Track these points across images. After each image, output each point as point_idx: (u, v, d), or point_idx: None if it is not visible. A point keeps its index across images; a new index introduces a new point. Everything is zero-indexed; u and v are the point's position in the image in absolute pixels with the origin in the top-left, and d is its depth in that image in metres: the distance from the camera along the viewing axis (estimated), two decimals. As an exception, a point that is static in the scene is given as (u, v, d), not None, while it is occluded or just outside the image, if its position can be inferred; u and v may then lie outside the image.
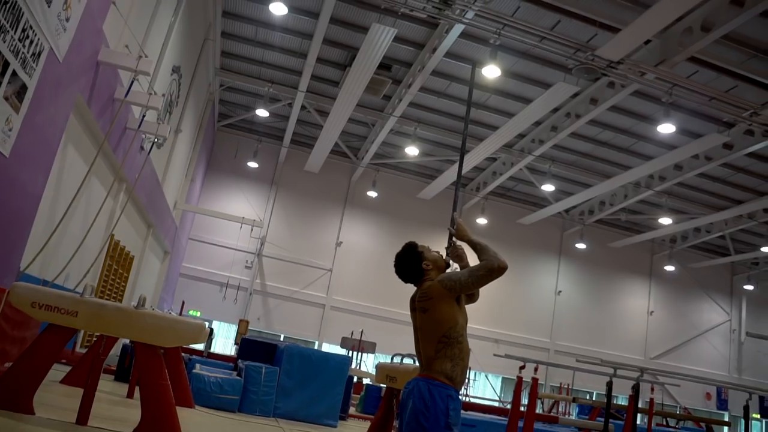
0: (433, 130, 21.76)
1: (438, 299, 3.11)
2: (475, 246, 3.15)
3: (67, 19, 6.76)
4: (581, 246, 27.74)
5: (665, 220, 24.19)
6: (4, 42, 5.64)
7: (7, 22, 5.59)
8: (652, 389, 12.35)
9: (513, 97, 18.79)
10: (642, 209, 25.93)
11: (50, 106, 6.96)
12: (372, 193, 25.23)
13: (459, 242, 3.41)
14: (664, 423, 19.75)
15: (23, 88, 6.17)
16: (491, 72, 14.78)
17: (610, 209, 24.97)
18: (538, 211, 25.97)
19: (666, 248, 29.01)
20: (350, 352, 18.63)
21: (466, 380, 21.43)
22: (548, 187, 22.93)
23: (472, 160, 21.32)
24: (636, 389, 8.79)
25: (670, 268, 28.93)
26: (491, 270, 3.01)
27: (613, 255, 28.85)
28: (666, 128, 15.78)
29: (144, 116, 10.79)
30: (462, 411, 11.56)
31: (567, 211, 27.18)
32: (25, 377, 4.87)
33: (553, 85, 15.99)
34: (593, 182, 22.63)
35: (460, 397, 2.98)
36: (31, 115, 6.45)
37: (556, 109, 18.25)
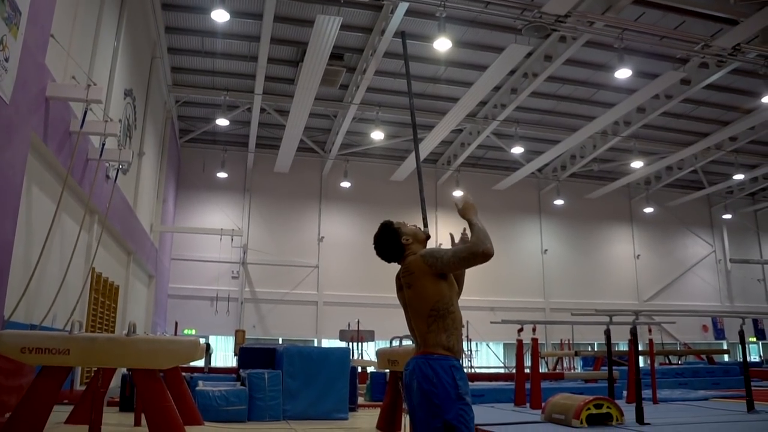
0: (395, 111, 21.74)
1: (420, 274, 3.10)
2: (472, 226, 3.11)
3: (6, 59, 6.65)
4: (559, 202, 27.98)
5: (637, 164, 24.47)
6: (-53, 93, 5.54)
7: (-53, 73, 5.49)
8: (650, 330, 12.60)
9: (468, 66, 18.83)
10: (613, 157, 26.17)
11: (5, 149, 6.85)
12: (345, 184, 25.21)
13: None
14: (667, 361, 20.15)
15: (-25, 136, 6.07)
16: (442, 45, 14.77)
17: (581, 162, 25.20)
18: (511, 174, 26.13)
19: (642, 191, 29.36)
20: (350, 343, 18.67)
21: (468, 352, 21.62)
22: (518, 150, 23.05)
23: (438, 135, 21.37)
24: (634, 333, 8.92)
25: (649, 209, 29.30)
26: (475, 254, 2.98)
27: (591, 206, 29.16)
28: (623, 73, 15.91)
29: (104, 144, 10.65)
30: (469, 382, 11.69)
31: (540, 170, 27.37)
32: (27, 424, 4.84)
33: (505, 48, 16.02)
34: (561, 138, 22.78)
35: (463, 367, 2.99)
36: (-12, 162, 6.35)
37: (512, 72, 18.33)
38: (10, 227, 7.26)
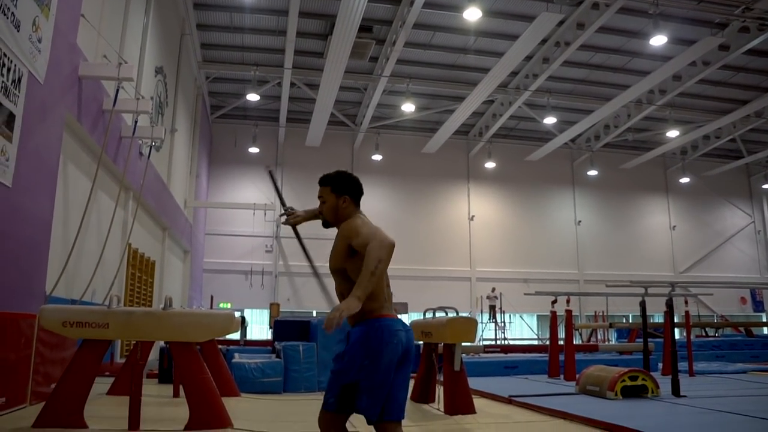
0: (426, 83, 21.58)
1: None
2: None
3: (40, 40, 6.73)
4: (593, 173, 27.61)
5: (673, 133, 23.95)
6: (-17, 73, 5.63)
7: (-18, 54, 5.58)
8: (686, 302, 12.41)
9: (499, 36, 18.55)
10: (648, 126, 25.65)
11: (41, 129, 6.97)
12: (377, 157, 25.18)
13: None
14: (703, 333, 19.87)
15: (11, 116, 6.18)
16: (472, 14, 14.56)
17: (615, 131, 24.74)
18: (544, 145, 25.79)
19: (678, 161, 28.76)
20: (383, 316, 18.72)
21: (502, 323, 21.60)
22: (550, 120, 22.73)
23: (468, 106, 21.17)
24: (670, 304, 8.81)
25: (685, 180, 28.72)
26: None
27: (626, 176, 28.69)
28: (658, 40, 15.51)
29: (136, 122, 10.78)
30: (502, 354, 11.64)
31: (573, 140, 26.98)
32: (71, 394, 4.98)
33: (536, 16, 15.72)
34: (594, 107, 22.37)
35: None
36: (25, 141, 6.47)
37: (544, 41, 18.00)
38: (48, 205, 7.42)
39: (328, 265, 3.02)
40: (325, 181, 3.12)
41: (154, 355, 10.93)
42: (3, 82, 5.98)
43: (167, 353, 8.95)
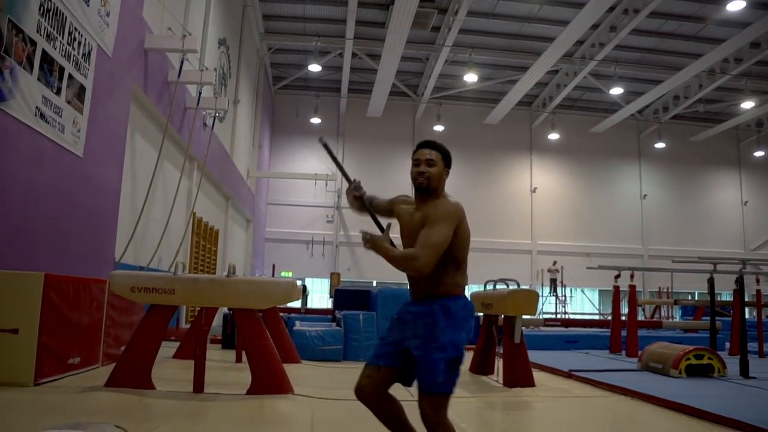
0: (489, 53, 21.20)
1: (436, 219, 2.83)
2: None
3: (108, 14, 6.89)
4: (661, 145, 26.72)
5: (748, 104, 22.89)
6: (56, 49, 5.81)
7: (54, 29, 5.75)
8: (758, 280, 11.97)
9: (564, 4, 18.01)
10: (720, 97, 24.56)
11: (110, 101, 7.17)
12: (438, 127, 24.99)
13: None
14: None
15: (81, 89, 6.37)
16: (538, -19, 14.15)
17: (685, 102, 23.78)
18: (609, 116, 25.06)
19: (752, 133, 27.49)
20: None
21: (563, 297, 21.32)
22: (616, 91, 22.03)
23: (532, 76, 20.71)
24: (740, 282, 8.50)
25: (759, 153, 27.48)
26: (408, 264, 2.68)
27: (696, 149, 27.66)
28: (735, 5, 14.75)
29: (200, 93, 10.97)
30: (563, 328, 11.47)
31: (640, 111, 26.12)
32: (140, 356, 5.17)
33: (605, -18, 15.16)
34: (663, 77, 21.53)
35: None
36: (94, 113, 6.67)
37: (611, 8, 17.34)
38: (117, 175, 7.66)
39: (405, 235, 2.92)
40: (437, 147, 2.94)
41: (217, 321, 11.24)
42: (74, 55, 6.16)
43: (230, 320, 9.17)
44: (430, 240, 2.69)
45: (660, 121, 26.18)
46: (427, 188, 2.86)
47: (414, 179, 2.89)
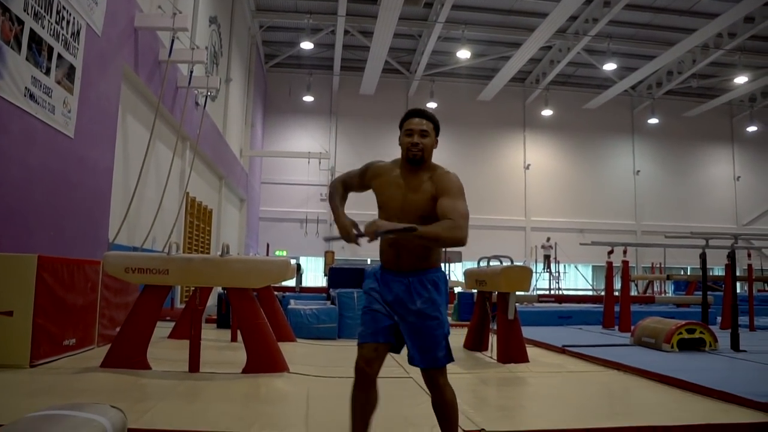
0: (482, 29, 21.07)
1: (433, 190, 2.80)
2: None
3: (97, -9, 6.81)
4: (654, 121, 26.72)
5: (741, 79, 22.87)
6: (44, 28, 5.75)
7: (41, 8, 5.68)
8: (749, 255, 12.03)
9: (559, -21, 17.87)
10: (714, 72, 24.52)
11: (100, 81, 7.11)
12: (431, 104, 24.89)
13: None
14: (766, 288, 19.32)
15: (71, 68, 6.31)
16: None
17: (679, 78, 23.73)
18: (603, 92, 25.02)
19: (746, 108, 27.52)
20: (436, 265, 18.75)
21: (556, 273, 21.41)
22: (610, 66, 21.97)
23: (525, 53, 20.61)
24: (732, 257, 8.54)
25: (752, 128, 27.51)
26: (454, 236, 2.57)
27: (689, 125, 27.67)
28: (728, -22, 14.66)
29: (192, 72, 10.89)
30: (556, 304, 11.50)
31: (633, 87, 26.06)
32: (135, 337, 5.19)
33: (599, -44, 15.05)
34: (657, 52, 21.47)
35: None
36: (85, 93, 6.62)
37: (606, -18, 17.26)
38: (109, 155, 7.62)
39: (401, 206, 2.81)
40: (430, 117, 2.86)
41: (212, 300, 11.26)
42: (63, 35, 6.09)
43: (225, 299, 9.19)
44: (463, 211, 2.65)
45: (653, 96, 26.16)
46: (421, 159, 2.81)
47: (407, 150, 2.82)
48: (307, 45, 20.68)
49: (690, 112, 26.90)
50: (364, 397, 2.75)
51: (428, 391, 2.84)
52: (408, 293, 2.76)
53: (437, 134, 2.89)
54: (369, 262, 23.16)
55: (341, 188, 3.07)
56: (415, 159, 2.80)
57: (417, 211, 2.74)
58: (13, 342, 4.99)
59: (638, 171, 27.44)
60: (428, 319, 2.75)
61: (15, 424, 2.05)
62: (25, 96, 5.47)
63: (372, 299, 2.87)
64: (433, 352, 2.72)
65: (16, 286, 5.03)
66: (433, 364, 2.73)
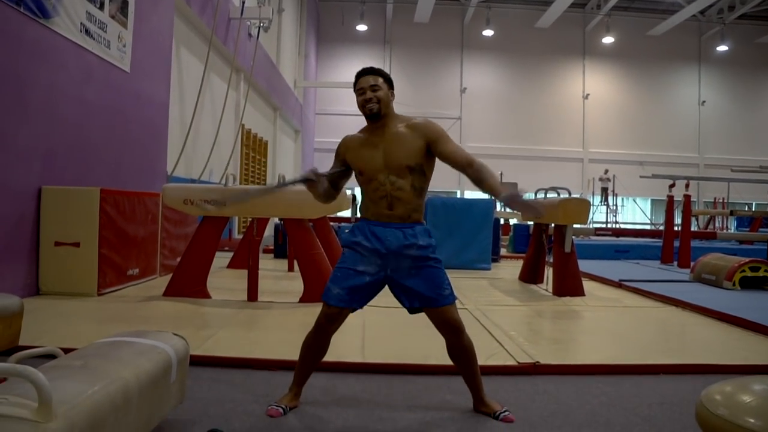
0: (542, -49, 20.18)
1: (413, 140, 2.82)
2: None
3: (148, -77, 6.72)
4: (723, 48, 25.37)
5: (822, -1, 21.42)
6: (97, -41, 5.72)
7: (94, -62, 5.64)
8: (822, 189, 11.51)
9: None
10: (793, -8, 23.00)
11: (153, 14, 7.10)
12: (488, 32, 24.16)
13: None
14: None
15: (124, 3, 6.31)
16: None
17: (753, 1, 22.31)
18: (669, 18, 23.78)
19: (822, 33, 25.84)
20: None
21: (614, 207, 21.00)
22: (678, -11, 20.84)
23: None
24: (801, 190, 8.19)
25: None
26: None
27: (763, 51, 26.17)
28: None
29: (244, 3, 10.79)
30: (613, 237, 11.28)
31: (702, 12, 24.68)
32: (195, 267, 5.34)
33: None
34: (731, -28, 20.20)
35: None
36: (139, 27, 6.63)
37: None
38: (165, 89, 7.68)
39: (384, 161, 2.77)
40: (377, 72, 2.88)
41: (269, 231, 11.47)
42: (116, -35, 6.07)
43: (282, 230, 9.34)
44: (466, 152, 2.74)
45: (724, 21, 24.73)
46: (378, 113, 2.80)
47: (363, 107, 2.83)
48: (360, -28, 20.21)
49: (764, 38, 25.41)
50: (317, 346, 2.81)
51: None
52: (406, 240, 2.74)
53: (391, 87, 2.88)
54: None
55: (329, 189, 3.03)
56: (372, 113, 2.80)
57: (405, 160, 2.74)
58: (82, 272, 5.20)
59: (704, 101, 26.31)
60: (431, 260, 2.76)
61: (85, 348, 2.15)
62: (80, 32, 5.51)
63: (356, 256, 2.78)
64: (440, 290, 2.72)
65: (81, 218, 5.21)
66: (444, 300, 2.72)
